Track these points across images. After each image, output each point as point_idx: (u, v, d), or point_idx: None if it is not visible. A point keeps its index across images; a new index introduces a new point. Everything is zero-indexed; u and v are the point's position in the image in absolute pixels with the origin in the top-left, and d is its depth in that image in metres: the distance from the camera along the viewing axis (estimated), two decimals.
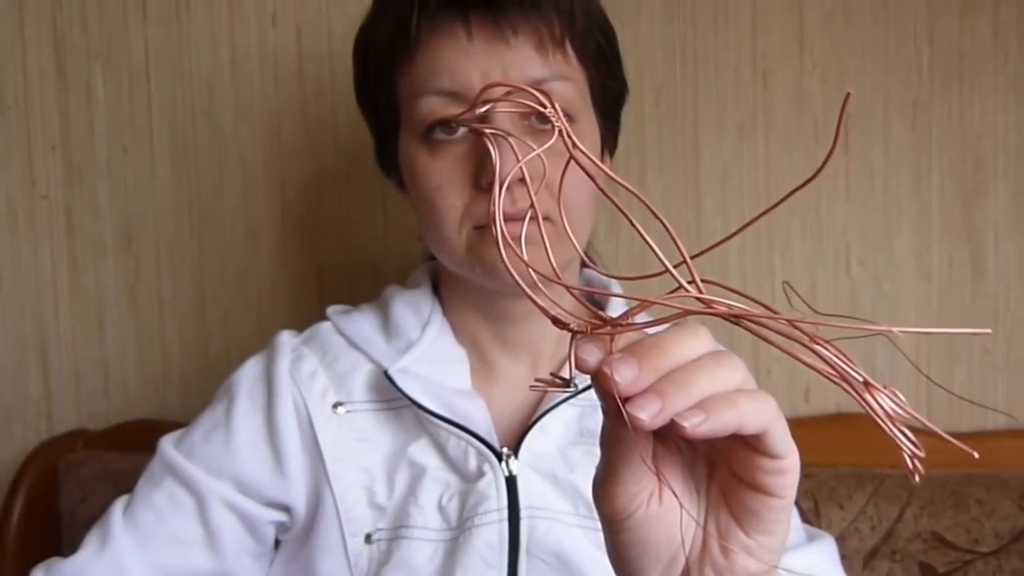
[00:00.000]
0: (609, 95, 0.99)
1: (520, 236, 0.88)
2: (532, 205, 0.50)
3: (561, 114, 0.52)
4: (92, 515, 1.33)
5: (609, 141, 1.02)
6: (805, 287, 1.33)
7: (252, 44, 1.42)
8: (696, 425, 0.50)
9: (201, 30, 1.42)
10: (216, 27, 1.42)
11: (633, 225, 0.48)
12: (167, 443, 0.99)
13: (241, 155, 1.43)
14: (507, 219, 0.87)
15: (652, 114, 1.34)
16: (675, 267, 0.49)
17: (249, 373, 1.01)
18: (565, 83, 0.91)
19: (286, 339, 1.03)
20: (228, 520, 0.95)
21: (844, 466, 1.26)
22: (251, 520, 0.96)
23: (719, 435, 0.52)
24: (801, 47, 1.32)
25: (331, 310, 1.07)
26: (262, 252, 1.44)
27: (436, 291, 1.04)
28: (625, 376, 0.51)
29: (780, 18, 1.32)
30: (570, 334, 0.53)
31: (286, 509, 0.97)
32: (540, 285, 0.54)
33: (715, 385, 0.52)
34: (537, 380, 0.58)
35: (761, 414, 0.53)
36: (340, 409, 0.96)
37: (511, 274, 0.52)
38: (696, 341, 0.54)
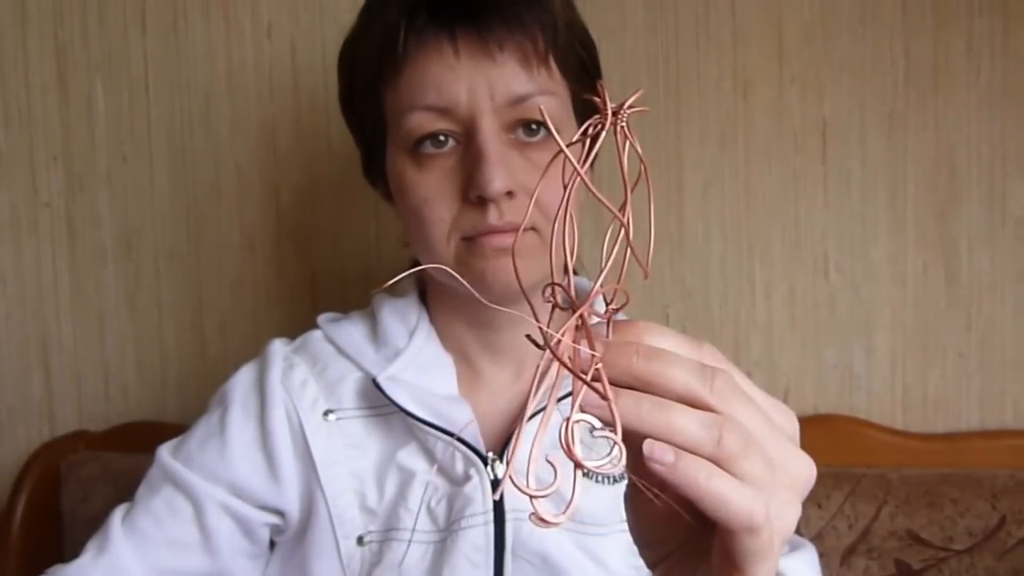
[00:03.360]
0: (591, 107, 0.98)
1: (509, 247, 0.88)
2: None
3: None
4: (93, 514, 1.34)
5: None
6: (784, 293, 1.32)
7: (248, 56, 1.40)
8: (654, 459, 0.46)
9: (198, 43, 1.41)
10: (213, 40, 1.41)
11: (564, 252, 0.45)
12: (164, 451, 0.98)
13: (237, 164, 1.41)
14: (493, 231, 0.87)
15: (636, 125, 1.32)
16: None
17: (242, 382, 1.00)
18: (549, 97, 0.90)
19: (278, 348, 1.02)
20: (224, 523, 0.95)
21: (822, 466, 1.22)
22: (246, 523, 0.95)
23: (680, 491, 0.47)
24: (780, 61, 1.31)
25: (321, 318, 1.05)
26: (258, 259, 1.42)
27: (423, 298, 1.03)
28: (582, 352, 0.47)
29: (760, 33, 1.31)
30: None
31: (280, 513, 0.96)
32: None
33: (695, 433, 0.47)
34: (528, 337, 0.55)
35: (733, 505, 0.47)
36: (331, 416, 0.96)
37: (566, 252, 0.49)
38: (692, 377, 0.48)
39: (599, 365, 0.46)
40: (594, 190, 0.47)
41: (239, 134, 1.41)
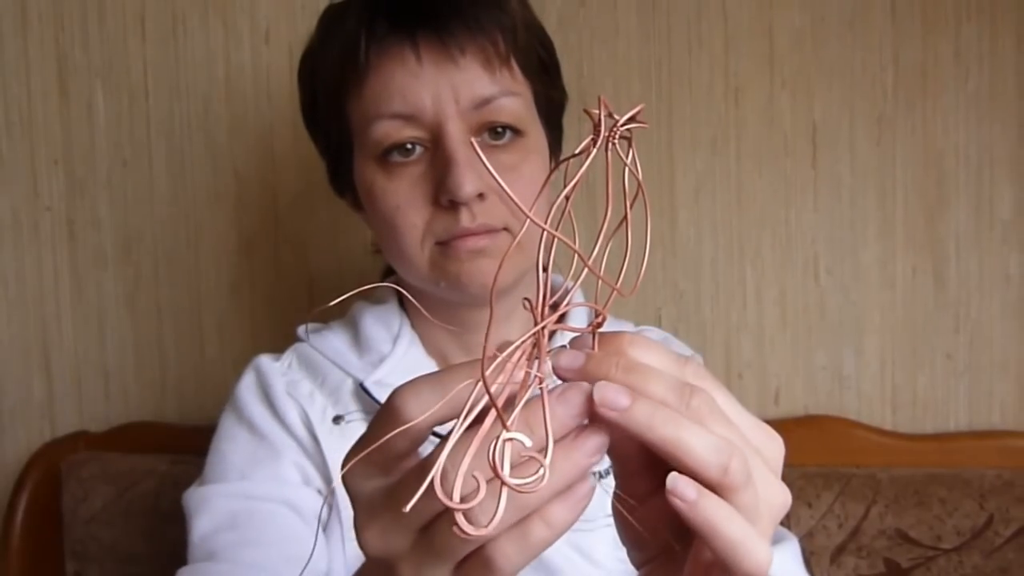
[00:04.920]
0: (553, 105, 0.98)
1: (483, 249, 0.88)
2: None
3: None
4: (93, 513, 1.35)
5: (555, 150, 1.00)
6: (774, 295, 1.32)
7: (246, 62, 1.40)
8: (676, 494, 0.45)
9: (197, 49, 1.41)
10: (211, 46, 1.41)
11: (541, 266, 0.45)
12: (212, 491, 0.94)
13: (235, 168, 1.41)
14: (467, 234, 0.87)
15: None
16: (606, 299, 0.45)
17: (247, 393, 0.99)
18: (513, 98, 0.89)
19: (271, 364, 1.01)
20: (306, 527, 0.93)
21: (812, 466, 1.25)
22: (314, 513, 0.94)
23: (695, 529, 0.46)
24: (771, 66, 1.30)
25: (302, 330, 1.05)
26: (256, 262, 1.42)
27: (402, 305, 1.02)
28: (563, 362, 0.47)
29: (751, 39, 1.30)
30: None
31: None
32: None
33: (702, 456, 0.46)
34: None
35: (747, 552, 0.46)
36: (341, 422, 0.94)
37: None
38: (669, 393, 0.47)
39: (542, 386, 0.45)
40: (560, 235, 0.45)
41: (237, 139, 1.41)
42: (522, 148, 0.90)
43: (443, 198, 0.86)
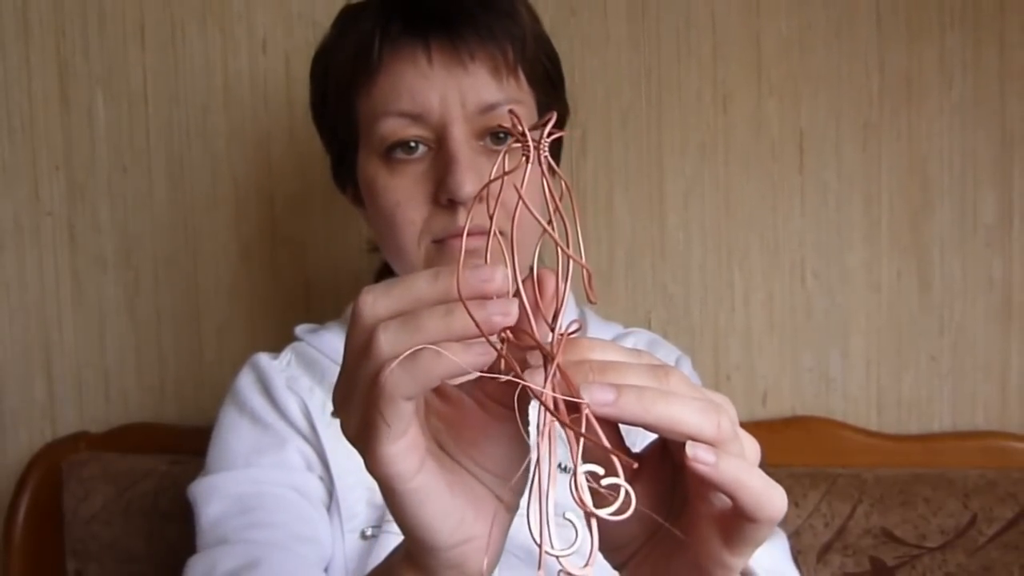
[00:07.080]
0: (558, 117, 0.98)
1: (476, 249, 0.88)
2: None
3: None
4: (93, 512, 1.35)
5: (555, 158, 1.00)
6: (762, 298, 1.32)
7: (244, 70, 1.40)
8: (698, 460, 0.46)
9: (196, 57, 1.41)
10: (210, 54, 1.41)
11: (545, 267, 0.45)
12: (218, 479, 0.95)
13: (233, 174, 1.41)
14: (463, 233, 0.87)
15: (619, 136, 1.32)
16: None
17: (247, 387, 1.00)
18: (517, 106, 0.90)
19: (270, 362, 1.02)
20: (317, 498, 0.94)
21: (799, 466, 1.25)
22: (322, 495, 0.95)
23: (722, 489, 0.47)
24: (759, 74, 1.30)
25: (299, 330, 1.06)
26: (253, 266, 1.42)
27: None
28: (596, 398, 0.47)
29: (739, 47, 1.30)
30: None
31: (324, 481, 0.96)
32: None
33: (696, 421, 0.47)
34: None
35: (770, 498, 0.48)
36: None
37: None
38: (648, 380, 0.48)
39: (587, 412, 0.45)
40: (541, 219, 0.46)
41: (235, 145, 1.41)
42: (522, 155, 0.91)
43: (443, 197, 0.87)
